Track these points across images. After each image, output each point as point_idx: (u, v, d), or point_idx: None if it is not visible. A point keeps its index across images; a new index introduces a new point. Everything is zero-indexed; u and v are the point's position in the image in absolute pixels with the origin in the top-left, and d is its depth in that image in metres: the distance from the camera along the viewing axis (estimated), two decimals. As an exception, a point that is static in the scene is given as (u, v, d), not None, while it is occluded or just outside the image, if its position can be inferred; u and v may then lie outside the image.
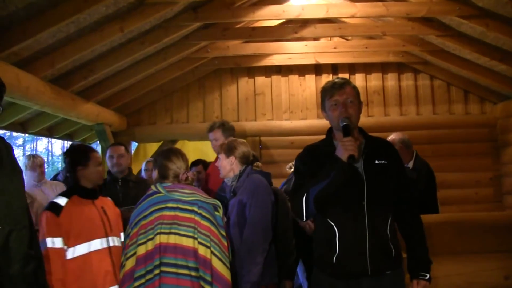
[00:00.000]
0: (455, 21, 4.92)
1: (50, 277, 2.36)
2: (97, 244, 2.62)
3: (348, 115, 2.20)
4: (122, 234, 2.82)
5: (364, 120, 6.18)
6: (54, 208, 2.57)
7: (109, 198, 2.93)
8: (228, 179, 3.07)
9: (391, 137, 4.18)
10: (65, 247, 2.52)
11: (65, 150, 2.72)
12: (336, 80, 2.30)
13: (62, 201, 2.61)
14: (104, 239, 2.66)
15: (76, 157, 2.74)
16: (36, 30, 3.57)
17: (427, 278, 2.29)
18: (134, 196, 3.72)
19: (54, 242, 2.49)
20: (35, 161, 4.21)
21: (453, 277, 2.98)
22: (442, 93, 6.66)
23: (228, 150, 3.03)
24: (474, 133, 6.47)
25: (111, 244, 2.69)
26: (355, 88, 2.31)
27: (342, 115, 2.20)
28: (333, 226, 2.20)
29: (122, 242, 2.76)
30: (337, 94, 2.24)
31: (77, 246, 2.55)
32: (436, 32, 5.25)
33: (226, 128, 3.83)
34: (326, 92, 2.29)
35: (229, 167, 3.02)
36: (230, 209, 2.98)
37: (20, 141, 26.97)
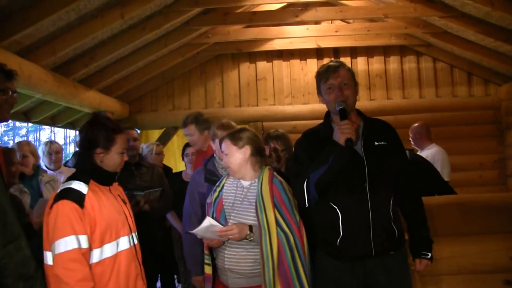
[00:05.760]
0: (459, 2, 4.84)
1: (82, 284, 1.90)
2: (125, 243, 2.11)
3: (344, 98, 2.20)
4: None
5: (366, 103, 6.28)
6: (76, 197, 1.99)
7: (117, 184, 2.33)
8: None
9: None
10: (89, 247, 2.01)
11: (87, 122, 2.19)
12: (330, 63, 2.30)
13: (82, 188, 2.04)
14: (130, 236, 2.15)
15: (98, 136, 2.13)
16: (36, 18, 3.56)
17: (429, 257, 2.32)
18: (149, 180, 3.72)
19: (80, 241, 1.95)
20: (51, 147, 4.04)
21: (458, 258, 2.98)
22: (445, 75, 6.61)
23: None
24: (478, 115, 6.42)
25: (136, 241, 2.20)
26: (349, 70, 2.30)
27: (338, 99, 2.20)
28: (336, 209, 2.21)
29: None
30: (332, 78, 2.24)
31: (105, 246, 2.03)
32: (439, 13, 5.17)
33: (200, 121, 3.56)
34: (321, 76, 2.29)
35: None
36: None
37: (23, 132, 27.00)
